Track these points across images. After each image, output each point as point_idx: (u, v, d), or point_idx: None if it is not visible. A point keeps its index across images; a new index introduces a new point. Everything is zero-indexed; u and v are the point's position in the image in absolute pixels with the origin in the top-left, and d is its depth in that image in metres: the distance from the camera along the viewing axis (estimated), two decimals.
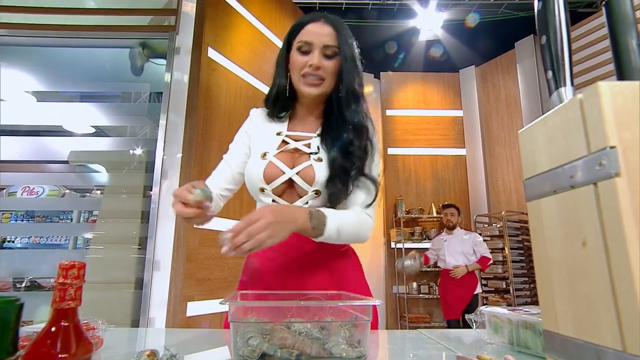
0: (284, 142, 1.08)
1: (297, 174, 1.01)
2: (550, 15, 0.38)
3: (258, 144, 1.11)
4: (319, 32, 1.03)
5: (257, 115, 1.18)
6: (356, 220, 0.99)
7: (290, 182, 1.03)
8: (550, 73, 0.38)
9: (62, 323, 0.35)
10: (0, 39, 2.81)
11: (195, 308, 2.43)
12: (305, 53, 1.04)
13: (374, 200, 1.04)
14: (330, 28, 1.04)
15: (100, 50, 2.93)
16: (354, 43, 1.07)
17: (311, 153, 1.04)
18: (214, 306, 2.52)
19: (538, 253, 0.36)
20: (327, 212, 0.95)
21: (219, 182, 1.11)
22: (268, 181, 1.02)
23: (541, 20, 0.39)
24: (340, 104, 1.05)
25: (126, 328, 1.37)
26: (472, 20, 6.23)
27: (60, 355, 0.33)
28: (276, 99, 1.12)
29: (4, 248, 3.16)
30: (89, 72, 3.15)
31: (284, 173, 1.02)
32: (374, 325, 0.96)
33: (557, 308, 0.34)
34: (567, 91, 0.37)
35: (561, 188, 0.32)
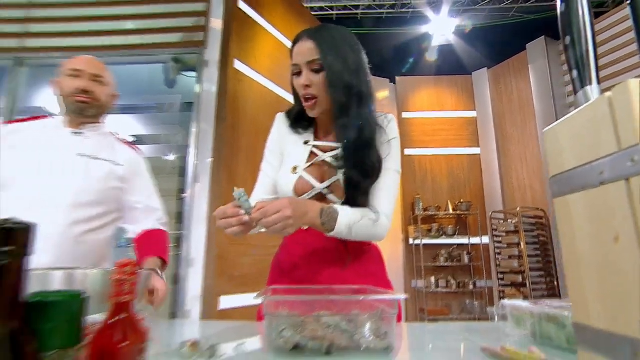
0: (313, 154, 1.06)
1: (327, 187, 1.01)
2: (574, 17, 0.37)
3: (288, 153, 1.10)
4: (301, 52, 1.00)
5: (283, 120, 1.17)
6: (369, 221, 0.96)
7: (320, 195, 1.02)
8: (575, 72, 0.37)
9: (119, 315, 0.36)
10: (55, 61, 2.95)
11: (227, 302, 2.46)
12: (298, 75, 1.02)
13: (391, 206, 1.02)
14: (311, 42, 0.98)
15: (138, 66, 3.02)
16: (345, 47, 1.00)
17: (339, 167, 1.02)
18: (244, 300, 2.55)
19: (567, 248, 0.35)
20: (341, 209, 0.94)
21: (264, 195, 1.10)
22: (299, 194, 1.01)
23: (565, 21, 0.37)
24: (335, 119, 1.01)
25: (165, 320, 1.40)
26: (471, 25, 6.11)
27: (120, 345, 0.34)
28: (296, 118, 1.12)
29: None
30: (128, 86, 3.24)
31: (314, 187, 1.01)
32: (398, 318, 0.95)
33: (588, 302, 0.32)
34: (593, 90, 0.35)
35: (590, 185, 0.31)
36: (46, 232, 1.12)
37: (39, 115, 1.42)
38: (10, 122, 1.37)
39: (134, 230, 1.42)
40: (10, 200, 1.20)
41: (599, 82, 0.35)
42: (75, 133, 1.35)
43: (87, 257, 1.27)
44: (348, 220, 0.93)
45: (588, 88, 0.36)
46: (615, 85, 0.27)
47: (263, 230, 0.99)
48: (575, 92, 0.37)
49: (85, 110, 1.35)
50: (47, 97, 3.15)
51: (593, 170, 0.31)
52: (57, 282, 0.75)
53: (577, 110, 0.33)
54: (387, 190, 1.02)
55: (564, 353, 0.72)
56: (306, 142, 1.09)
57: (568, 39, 0.37)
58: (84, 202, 1.28)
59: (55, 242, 1.19)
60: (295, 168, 1.04)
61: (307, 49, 0.98)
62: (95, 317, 0.45)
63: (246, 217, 0.84)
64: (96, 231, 1.32)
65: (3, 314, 0.26)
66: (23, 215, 0.95)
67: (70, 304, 0.32)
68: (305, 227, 1.07)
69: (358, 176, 0.97)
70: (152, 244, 1.37)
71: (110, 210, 1.37)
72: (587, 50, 0.36)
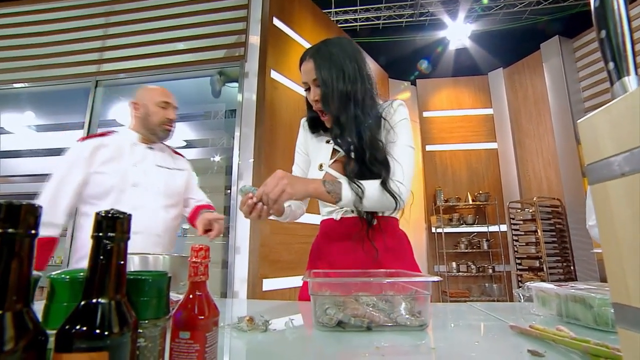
0: (335, 151, 1.07)
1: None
2: (609, 11, 0.34)
3: (314, 153, 1.12)
4: (305, 71, 1.02)
5: (306, 124, 1.19)
6: (378, 189, 0.92)
7: None
8: (612, 64, 0.34)
9: (196, 292, 0.37)
10: (121, 81, 3.13)
11: (269, 284, 2.51)
12: (309, 90, 1.04)
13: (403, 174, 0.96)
14: (311, 62, 1.00)
15: (189, 80, 3.12)
16: (343, 59, 0.98)
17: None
18: (284, 282, 2.59)
19: (605, 232, 0.33)
20: (344, 179, 0.93)
21: None
22: None
23: (599, 16, 0.35)
24: (334, 128, 1.02)
25: (217, 298, 1.46)
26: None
27: (199, 317, 0.35)
28: (314, 123, 1.13)
29: None
30: (180, 98, 3.35)
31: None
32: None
33: (629, 283, 0.30)
34: (631, 80, 0.33)
35: (631, 171, 0.29)
36: (156, 229, 1.36)
37: (109, 126, 1.52)
38: (88, 137, 1.42)
39: (188, 211, 1.55)
40: (117, 206, 1.30)
41: (637, 72, 0.33)
42: (149, 148, 1.45)
43: (175, 244, 1.46)
44: (353, 188, 0.91)
45: (626, 79, 0.33)
46: None
47: (284, 218, 1.04)
48: (611, 83, 0.34)
49: (168, 136, 1.47)
50: (117, 111, 3.34)
51: (634, 157, 0.29)
52: (134, 265, 0.79)
53: (616, 100, 0.30)
54: (400, 160, 0.97)
55: (592, 332, 0.69)
56: (328, 141, 1.10)
57: (603, 32, 0.34)
58: (170, 203, 1.42)
59: (160, 236, 1.37)
60: (321, 165, 1.06)
61: (309, 69, 1.00)
62: (179, 295, 0.47)
63: (255, 199, 0.85)
64: (179, 223, 1.49)
65: (112, 288, 0.27)
66: (135, 219, 1.06)
67: (160, 282, 0.34)
68: (329, 213, 1.08)
69: (368, 174, 0.95)
70: (202, 207, 1.51)
71: (181, 205, 1.52)
72: (624, 42, 0.33)
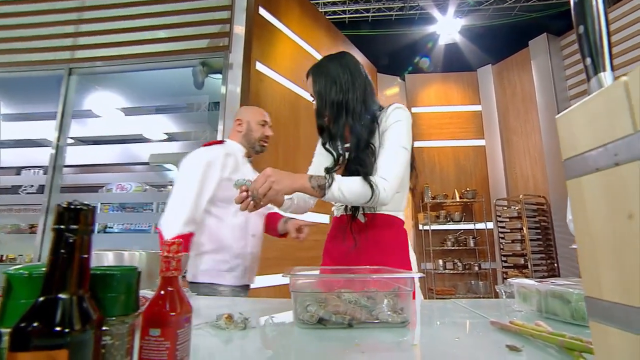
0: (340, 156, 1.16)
1: None
2: (588, 7, 0.35)
3: (324, 158, 1.22)
4: (309, 85, 1.15)
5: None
6: (358, 182, 0.97)
7: None
8: (589, 60, 0.35)
9: (168, 288, 0.37)
10: (97, 69, 3.03)
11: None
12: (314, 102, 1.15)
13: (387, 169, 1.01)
14: (311, 78, 1.13)
15: (170, 70, 3.05)
16: (337, 72, 1.09)
17: None
18: (268, 280, 2.58)
19: (580, 227, 0.34)
20: (329, 175, 1.00)
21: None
22: None
23: (578, 12, 0.36)
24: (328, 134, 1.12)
25: (197, 296, 1.45)
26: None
27: (170, 313, 0.35)
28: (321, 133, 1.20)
29: (106, 232, 3.45)
30: (161, 89, 3.29)
31: None
32: (412, 296, 0.95)
33: (601, 276, 0.31)
34: (607, 76, 0.34)
35: (604, 166, 0.30)
36: (262, 232, 1.59)
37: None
38: (212, 143, 1.59)
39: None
40: (235, 213, 1.46)
41: (612, 68, 0.34)
42: (248, 160, 1.63)
43: None
44: (338, 184, 0.96)
45: (602, 74, 0.34)
46: (630, 71, 0.26)
47: (286, 209, 1.15)
48: (588, 79, 0.35)
49: (264, 150, 1.65)
50: (92, 101, 3.24)
51: (608, 152, 0.29)
52: (108, 261, 0.78)
53: (591, 95, 0.31)
54: (387, 158, 1.02)
55: (569, 326, 0.71)
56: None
57: (582, 28, 0.35)
58: (262, 212, 1.59)
59: (260, 237, 1.59)
60: (328, 170, 1.12)
61: (310, 84, 1.14)
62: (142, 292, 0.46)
63: (245, 193, 0.95)
64: None
65: (73, 283, 0.27)
66: (249, 223, 1.39)
67: (128, 277, 0.33)
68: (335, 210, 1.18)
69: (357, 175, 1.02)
70: (274, 214, 1.63)
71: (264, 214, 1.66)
72: (601, 38, 0.34)
